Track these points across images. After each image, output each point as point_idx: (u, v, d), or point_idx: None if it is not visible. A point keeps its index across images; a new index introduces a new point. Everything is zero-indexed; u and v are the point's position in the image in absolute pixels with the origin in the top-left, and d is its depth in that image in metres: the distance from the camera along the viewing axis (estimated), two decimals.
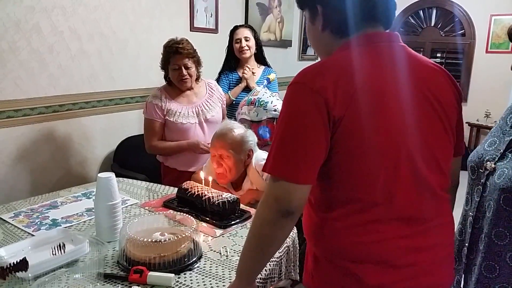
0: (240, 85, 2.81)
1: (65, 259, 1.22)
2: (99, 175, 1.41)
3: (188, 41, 2.29)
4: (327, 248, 0.98)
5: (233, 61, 2.91)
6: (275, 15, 4.24)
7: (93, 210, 1.67)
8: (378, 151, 0.89)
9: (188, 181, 1.82)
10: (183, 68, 2.21)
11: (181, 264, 1.26)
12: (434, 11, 5.66)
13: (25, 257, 1.09)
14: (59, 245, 1.20)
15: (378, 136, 0.89)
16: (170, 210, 1.69)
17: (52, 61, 2.45)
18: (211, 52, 3.49)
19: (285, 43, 4.56)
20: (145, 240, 1.24)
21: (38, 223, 1.56)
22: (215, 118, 2.35)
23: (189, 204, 1.72)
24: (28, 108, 2.39)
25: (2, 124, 2.28)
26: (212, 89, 2.42)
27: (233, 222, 1.59)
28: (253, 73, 2.83)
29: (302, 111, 0.88)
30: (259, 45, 2.94)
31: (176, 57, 2.20)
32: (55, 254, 1.19)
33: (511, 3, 5.19)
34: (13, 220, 1.57)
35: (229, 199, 1.63)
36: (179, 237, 1.28)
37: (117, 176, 2.35)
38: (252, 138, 1.91)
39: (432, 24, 5.67)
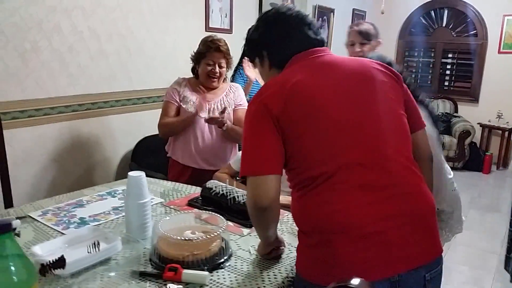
0: (248, 83, 2.82)
1: (99, 257, 1.23)
2: (130, 173, 1.42)
3: (226, 42, 2.33)
4: (302, 224, 1.13)
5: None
6: None
7: (120, 209, 1.70)
8: (317, 135, 1.07)
9: (212, 180, 1.83)
10: (217, 65, 2.25)
11: (213, 262, 1.27)
12: (446, 12, 5.65)
13: (63, 255, 1.10)
14: (94, 243, 1.21)
15: (314, 122, 1.08)
16: (195, 209, 1.70)
17: (72, 61, 2.48)
18: None
19: None
20: (178, 238, 1.25)
21: (67, 221, 1.57)
22: (228, 117, 2.30)
23: (213, 203, 1.73)
24: (49, 107, 2.41)
25: (24, 123, 2.30)
26: (230, 91, 2.39)
27: None
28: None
29: (252, 119, 1.13)
30: None
31: (215, 53, 2.23)
32: (90, 252, 1.21)
33: None
34: (42, 218, 1.58)
35: None
36: (210, 235, 1.29)
37: None
38: None
39: (444, 25, 5.66)
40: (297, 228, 1.17)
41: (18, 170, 2.30)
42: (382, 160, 1.07)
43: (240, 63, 2.92)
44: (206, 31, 3.38)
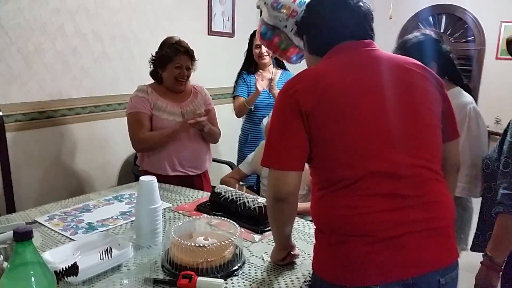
0: (254, 93, 2.72)
1: (111, 263, 1.20)
2: (141, 178, 1.40)
3: None
4: (321, 223, 1.13)
5: (252, 64, 2.87)
6: None
7: (128, 214, 1.68)
8: (351, 137, 1.05)
9: (221, 185, 1.82)
10: (185, 68, 2.17)
11: (227, 269, 1.25)
12: (444, 18, 5.68)
13: (75, 262, 1.08)
14: (107, 249, 1.19)
15: (345, 125, 1.05)
16: (204, 214, 1.68)
17: (75, 63, 2.45)
18: (228, 56, 3.52)
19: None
20: (192, 244, 1.23)
21: (74, 226, 1.54)
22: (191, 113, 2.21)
23: (222, 208, 1.71)
24: (52, 110, 2.38)
25: (27, 126, 2.27)
26: (196, 92, 2.32)
27: (269, 228, 1.57)
28: (271, 80, 2.70)
29: (281, 112, 1.12)
30: None
31: (183, 56, 2.14)
32: (103, 258, 1.18)
33: None
34: (48, 223, 1.56)
35: (265, 204, 1.61)
36: (224, 242, 1.27)
37: (137, 179, 2.37)
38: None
39: (442, 31, 5.69)
40: (310, 232, 1.17)
41: (20, 173, 2.26)
42: (408, 170, 1.05)
43: (243, 69, 2.90)
44: (208, 34, 3.37)
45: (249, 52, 2.90)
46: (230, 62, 3.60)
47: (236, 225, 1.41)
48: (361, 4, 1.17)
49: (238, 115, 2.82)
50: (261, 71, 2.84)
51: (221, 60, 3.50)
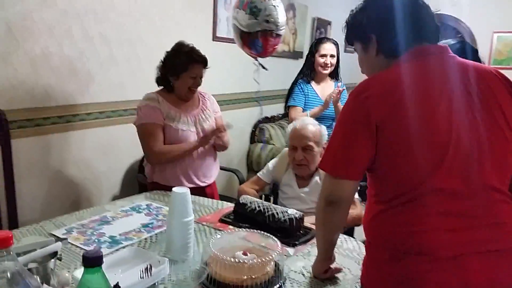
0: (320, 107, 2.64)
1: (151, 281, 1.12)
2: (174, 189, 1.32)
3: None
4: (376, 238, 1.08)
5: (310, 73, 2.81)
6: (289, 27, 4.22)
7: (150, 226, 1.60)
8: (421, 152, 0.98)
9: (244, 195, 1.75)
10: (198, 77, 2.09)
11: (271, 286, 1.19)
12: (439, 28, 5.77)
13: (118, 282, 1.00)
14: (147, 267, 1.11)
15: (420, 137, 0.98)
16: (230, 226, 1.61)
17: (82, 68, 2.35)
18: (231, 62, 3.47)
19: (296, 55, 4.54)
20: (235, 260, 1.16)
21: (96, 240, 1.45)
22: (211, 128, 2.18)
23: (248, 219, 1.64)
24: (57, 116, 2.28)
25: (31, 133, 2.16)
26: (205, 99, 2.26)
27: (301, 240, 1.52)
28: (340, 91, 2.63)
29: (349, 117, 1.06)
30: (338, 61, 2.84)
31: (199, 66, 2.07)
32: (143, 277, 1.10)
33: None
34: (68, 238, 1.46)
35: (296, 216, 1.56)
36: (266, 258, 1.20)
37: (144, 188, 2.28)
38: (325, 132, 2.04)
39: None
40: (348, 247, 1.11)
41: (23, 182, 2.14)
42: (477, 190, 0.99)
43: (300, 77, 2.84)
44: (213, 40, 3.31)
45: (308, 60, 2.83)
46: (234, 69, 3.55)
47: (273, 237, 1.34)
48: (427, 3, 1.11)
49: None
50: (321, 82, 2.78)
51: (225, 66, 3.45)
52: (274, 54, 3.80)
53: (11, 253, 0.70)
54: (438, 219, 0.99)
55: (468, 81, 1.03)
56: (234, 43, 3.52)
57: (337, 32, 5.18)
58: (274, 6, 2.37)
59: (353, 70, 1.20)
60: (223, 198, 2.27)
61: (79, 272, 1.12)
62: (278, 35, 2.48)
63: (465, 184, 0.98)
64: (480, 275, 0.97)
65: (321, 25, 4.93)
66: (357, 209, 1.89)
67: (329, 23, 5.09)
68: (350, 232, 2.09)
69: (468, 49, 1.57)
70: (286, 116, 4.38)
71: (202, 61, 2.07)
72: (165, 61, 2.10)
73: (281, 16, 2.43)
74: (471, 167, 0.99)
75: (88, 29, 2.34)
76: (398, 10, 1.07)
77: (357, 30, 1.17)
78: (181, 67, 2.03)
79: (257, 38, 2.44)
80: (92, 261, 0.71)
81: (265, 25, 2.34)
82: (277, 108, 4.33)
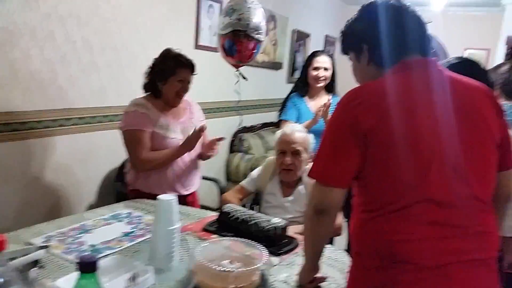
0: (312, 120, 2.55)
1: None
2: (160, 197, 1.31)
3: None
4: (363, 247, 1.09)
5: (304, 87, 2.74)
6: (270, 38, 4.27)
7: (132, 235, 1.57)
8: (407, 162, 1.00)
9: (228, 204, 1.75)
10: (186, 82, 2.09)
11: None
12: None
13: None
14: (134, 276, 1.09)
15: (406, 147, 1.00)
16: (214, 235, 1.61)
17: (63, 72, 2.31)
18: (212, 71, 3.48)
19: (276, 65, 4.60)
20: (223, 269, 1.16)
21: (76, 249, 1.42)
22: (193, 132, 2.13)
23: (232, 229, 1.64)
24: (35, 121, 2.22)
25: (7, 138, 2.10)
26: (191, 106, 2.26)
27: (285, 249, 1.53)
28: (327, 106, 2.51)
29: (337, 125, 1.08)
30: (334, 74, 2.77)
31: (186, 70, 2.07)
32: (129, 286, 1.08)
33: (483, 39, 5.59)
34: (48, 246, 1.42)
35: (280, 225, 1.57)
36: (252, 266, 1.21)
37: (122, 197, 2.25)
38: (313, 141, 2.04)
39: None
40: (331, 256, 1.12)
41: None
42: (462, 200, 1.02)
43: (294, 91, 2.79)
44: (195, 48, 3.31)
45: (302, 73, 2.78)
46: (215, 77, 3.56)
47: (258, 246, 1.34)
48: (419, 13, 1.13)
49: None
50: (316, 97, 2.73)
51: (207, 74, 3.44)
52: (254, 64, 3.86)
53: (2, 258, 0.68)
54: (424, 228, 1.01)
55: (454, 95, 1.06)
56: (216, 51, 3.55)
57: (316, 44, 5.29)
58: (249, 7, 2.37)
59: (352, 84, 1.20)
60: (203, 207, 2.26)
61: (62, 281, 1.11)
62: (251, 37, 2.44)
63: (450, 194, 1.01)
64: (464, 284, 1.01)
65: (300, 37, 5.01)
66: (338, 218, 1.92)
67: (308, 35, 5.18)
68: (330, 242, 2.11)
69: (469, 67, 1.57)
70: (266, 126, 4.43)
71: (189, 65, 2.08)
72: (153, 66, 2.10)
73: (255, 17, 2.40)
74: (456, 177, 1.02)
75: (70, 34, 2.31)
76: (388, 22, 1.10)
77: (350, 39, 1.20)
78: (169, 71, 2.04)
79: (230, 39, 2.45)
80: (88, 267, 0.70)
81: (237, 24, 2.32)
82: (256, 118, 4.36)
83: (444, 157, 1.01)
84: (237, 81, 2.74)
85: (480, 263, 1.03)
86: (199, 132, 2.01)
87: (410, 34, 1.10)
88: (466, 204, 1.03)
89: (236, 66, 2.67)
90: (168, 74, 2.03)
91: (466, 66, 1.57)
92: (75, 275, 1.16)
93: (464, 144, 1.03)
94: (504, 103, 2.07)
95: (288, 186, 2.03)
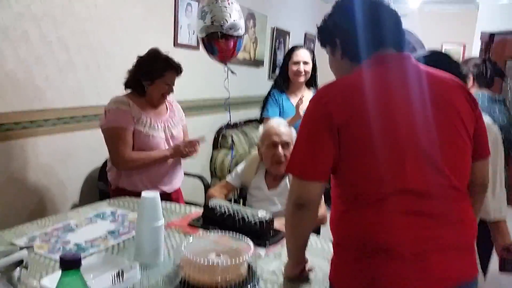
0: (295, 117, 2.51)
1: (121, 287, 1.10)
2: (143, 194, 1.30)
3: None
4: (342, 237, 1.10)
5: (284, 82, 2.71)
6: (250, 36, 4.27)
7: (116, 233, 1.56)
8: (382, 154, 1.02)
9: (213, 199, 1.75)
10: (172, 85, 2.10)
11: (245, 287, 1.19)
12: None
13: None
14: (119, 272, 1.08)
15: (381, 140, 1.01)
16: (200, 230, 1.61)
17: (39, 73, 2.27)
18: (193, 69, 3.45)
19: (257, 63, 4.60)
20: (210, 262, 1.16)
21: (61, 248, 1.40)
22: (179, 135, 2.20)
23: (218, 224, 1.64)
24: (12, 122, 2.18)
25: None
26: (172, 106, 2.27)
27: (272, 240, 1.54)
28: (300, 99, 2.52)
29: (311, 121, 1.09)
30: (315, 69, 2.74)
31: (174, 73, 2.09)
32: (115, 283, 1.07)
33: (458, 34, 5.72)
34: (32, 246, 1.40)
35: (266, 218, 1.57)
36: (239, 258, 1.21)
37: (105, 196, 2.22)
38: (295, 134, 2.02)
39: None
40: (318, 246, 1.12)
41: None
42: (437, 189, 1.04)
43: (274, 87, 2.76)
44: (174, 46, 3.28)
45: (282, 68, 2.75)
46: (195, 75, 3.54)
47: (244, 239, 1.34)
48: (394, 8, 1.14)
49: None
50: (297, 92, 2.69)
51: (186, 73, 3.41)
52: (235, 61, 3.85)
53: None
54: (401, 218, 1.01)
55: (427, 87, 1.07)
56: (196, 49, 3.54)
57: (296, 42, 5.32)
58: (220, 7, 2.34)
59: (333, 78, 1.19)
60: (188, 204, 2.25)
61: (47, 280, 1.09)
62: (229, 36, 2.42)
63: (426, 184, 1.02)
64: (442, 271, 1.02)
65: (280, 35, 5.03)
66: (321, 208, 1.93)
67: (288, 33, 5.20)
68: (316, 231, 2.13)
69: (443, 61, 1.54)
70: (249, 122, 4.42)
71: (178, 69, 2.10)
72: (141, 65, 2.07)
73: (230, 16, 2.37)
74: (431, 168, 1.03)
75: (46, 34, 2.26)
76: (361, 16, 1.10)
77: (325, 34, 1.21)
78: (158, 72, 2.03)
79: (209, 42, 2.44)
80: (71, 264, 0.69)
81: (211, 27, 2.31)
82: (239, 115, 4.35)
83: (419, 149, 1.02)
84: (226, 79, 2.72)
85: (458, 251, 1.05)
86: (191, 143, 2.05)
87: (385, 28, 1.11)
88: (443, 193, 1.04)
89: (224, 63, 2.66)
90: (156, 76, 2.03)
91: (438, 59, 1.59)
92: (59, 273, 1.15)
93: (439, 136, 1.04)
94: (475, 91, 2.14)
95: (274, 179, 2.03)
